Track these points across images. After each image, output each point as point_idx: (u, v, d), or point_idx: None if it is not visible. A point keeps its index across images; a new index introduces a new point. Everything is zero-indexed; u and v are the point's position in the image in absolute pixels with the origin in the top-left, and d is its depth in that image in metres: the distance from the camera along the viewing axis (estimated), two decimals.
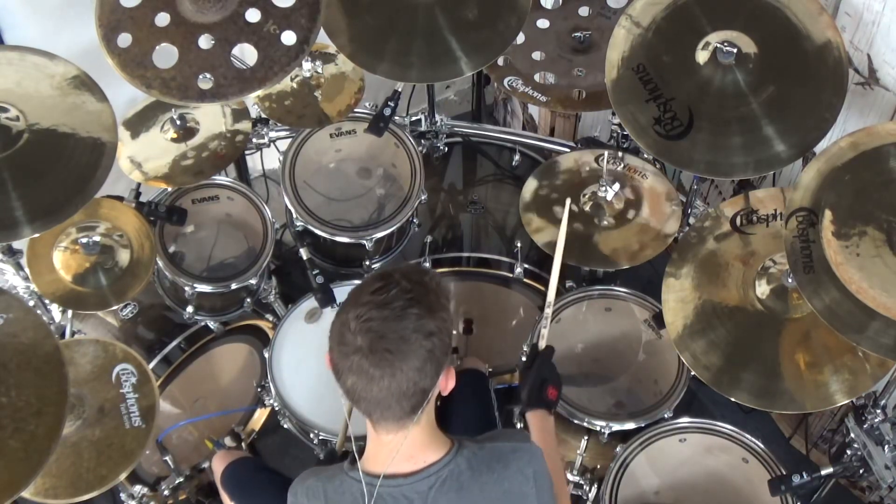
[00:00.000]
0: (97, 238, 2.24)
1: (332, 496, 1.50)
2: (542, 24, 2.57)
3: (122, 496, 2.30)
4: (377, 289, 1.39)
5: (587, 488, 2.17)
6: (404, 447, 1.43)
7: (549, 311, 2.00)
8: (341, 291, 2.37)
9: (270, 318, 2.60)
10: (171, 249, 2.49)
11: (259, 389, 2.44)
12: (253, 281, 2.49)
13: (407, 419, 1.41)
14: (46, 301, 2.26)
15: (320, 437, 2.22)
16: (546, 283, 2.52)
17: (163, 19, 2.00)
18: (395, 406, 1.39)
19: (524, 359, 2.24)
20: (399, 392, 1.37)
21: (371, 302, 1.37)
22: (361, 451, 1.51)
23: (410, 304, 1.37)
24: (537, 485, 1.51)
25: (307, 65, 2.51)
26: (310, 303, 2.40)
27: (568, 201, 2.19)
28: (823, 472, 2.01)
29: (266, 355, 2.32)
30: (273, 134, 2.63)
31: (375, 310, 1.36)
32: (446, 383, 1.45)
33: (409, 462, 1.45)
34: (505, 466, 1.48)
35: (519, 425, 2.24)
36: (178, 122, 2.46)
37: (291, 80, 2.52)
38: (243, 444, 2.52)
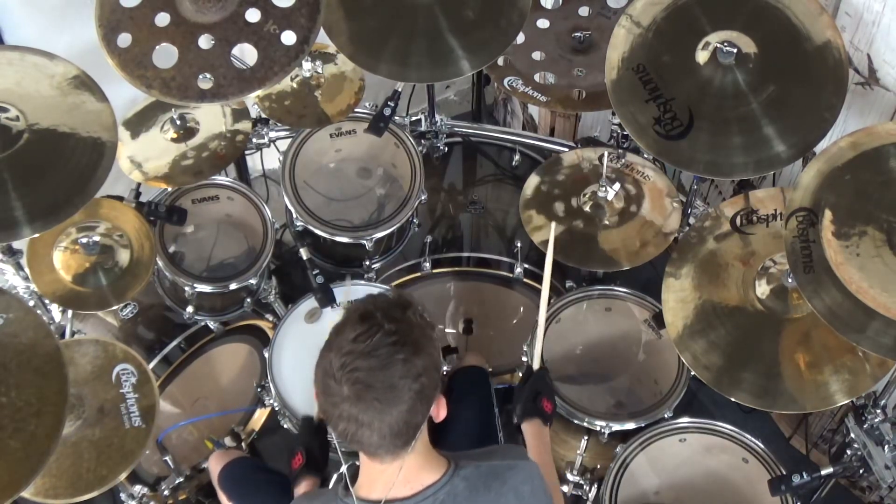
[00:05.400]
0: (97, 238, 2.24)
1: None
2: (542, 24, 2.57)
3: (122, 496, 2.29)
4: (359, 334, 1.35)
5: (587, 488, 2.17)
6: (401, 475, 1.43)
7: (541, 330, 1.99)
8: (341, 291, 2.37)
9: (270, 318, 2.60)
10: (171, 249, 2.48)
11: (259, 389, 2.43)
12: (253, 281, 2.49)
13: (401, 451, 1.40)
14: (46, 301, 2.26)
15: None
16: None
17: (163, 19, 2.01)
18: (388, 444, 1.38)
19: (527, 359, 2.25)
20: (391, 433, 1.36)
21: (354, 351, 1.34)
22: (352, 466, 1.50)
23: (395, 349, 1.34)
24: (535, 502, 1.51)
25: (307, 65, 2.51)
26: (310, 303, 2.40)
27: (553, 225, 2.17)
28: (823, 472, 2.01)
29: (266, 355, 2.32)
30: (273, 134, 2.63)
31: (361, 359, 1.33)
32: (438, 412, 1.44)
33: (406, 486, 1.44)
34: (502, 484, 1.48)
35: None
36: (178, 122, 2.46)
37: (291, 80, 2.52)
38: (243, 444, 2.51)
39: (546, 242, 2.30)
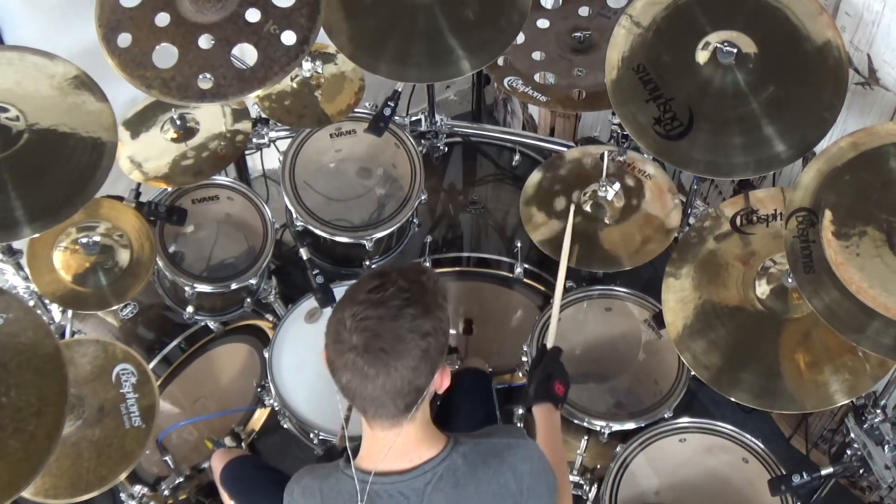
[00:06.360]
0: (97, 238, 2.24)
1: (327, 494, 1.50)
2: (542, 24, 2.57)
3: (122, 496, 2.30)
4: (373, 287, 1.38)
5: (587, 488, 2.18)
6: (399, 444, 1.44)
7: (556, 310, 2.00)
8: (341, 291, 2.37)
9: (270, 318, 2.60)
10: (171, 249, 2.48)
11: (259, 389, 2.44)
12: (253, 281, 2.49)
13: (401, 416, 1.41)
14: (46, 301, 2.26)
15: (320, 437, 2.22)
16: (546, 282, 2.53)
17: (163, 19, 2.01)
18: (390, 404, 1.39)
19: (527, 359, 2.25)
20: (394, 390, 1.37)
21: (367, 301, 1.37)
22: (357, 451, 1.51)
23: (407, 303, 1.37)
24: (533, 480, 1.51)
25: (307, 65, 2.51)
26: (310, 303, 2.40)
27: (572, 207, 2.18)
28: (823, 472, 2.01)
29: (266, 355, 2.32)
30: (273, 134, 2.63)
31: (371, 309, 1.36)
32: (441, 381, 1.45)
33: (405, 459, 1.45)
34: (501, 462, 1.48)
35: (519, 425, 2.24)
36: (178, 122, 2.46)
37: (291, 80, 2.52)
38: (243, 444, 2.52)
39: (546, 242, 2.32)
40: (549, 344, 1.99)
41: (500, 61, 2.51)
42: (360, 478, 1.45)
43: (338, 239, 2.48)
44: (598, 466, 2.21)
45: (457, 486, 1.45)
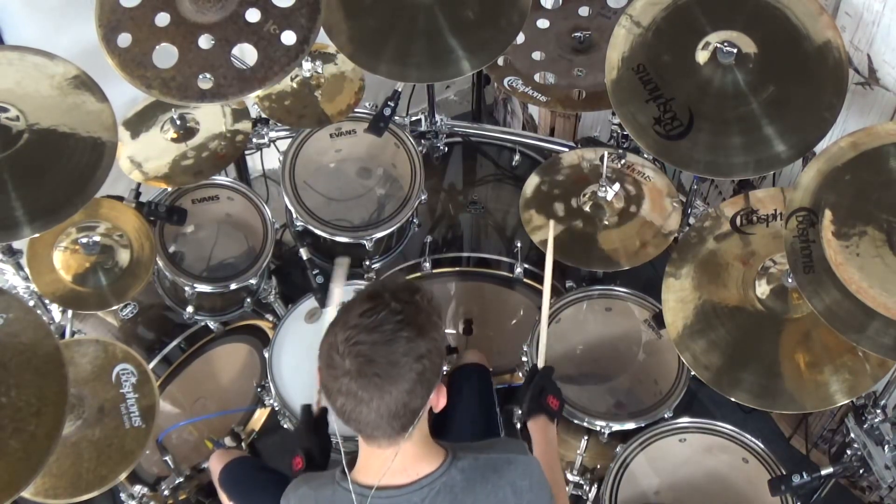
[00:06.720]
0: (97, 238, 2.24)
1: None
2: (542, 24, 2.57)
3: (122, 496, 2.30)
4: (365, 310, 1.36)
5: (587, 488, 2.17)
6: (397, 461, 1.42)
7: (544, 329, 1.99)
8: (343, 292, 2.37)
9: (270, 318, 2.60)
10: (171, 249, 2.49)
11: (259, 389, 2.44)
12: (253, 281, 2.49)
13: (398, 436, 1.40)
14: (46, 301, 2.26)
15: None
16: None
17: (163, 19, 2.01)
18: (386, 426, 1.37)
19: (527, 359, 2.25)
20: (389, 413, 1.35)
21: (359, 325, 1.34)
22: (351, 456, 1.51)
23: (400, 326, 1.34)
24: (533, 497, 1.51)
25: (307, 65, 2.51)
26: (310, 303, 2.40)
27: (551, 223, 2.18)
28: (823, 472, 2.01)
29: (266, 355, 2.32)
30: (273, 134, 2.63)
31: (364, 333, 1.34)
32: (438, 400, 1.44)
33: (403, 474, 1.44)
34: (500, 477, 1.47)
35: (519, 425, 2.24)
36: (178, 122, 2.46)
37: (291, 80, 2.52)
38: (243, 444, 2.51)
39: (546, 242, 2.31)
40: (540, 364, 1.99)
41: (500, 61, 2.51)
42: (356, 491, 1.44)
43: (338, 239, 2.48)
44: (598, 466, 2.21)
45: (454, 502, 1.44)
